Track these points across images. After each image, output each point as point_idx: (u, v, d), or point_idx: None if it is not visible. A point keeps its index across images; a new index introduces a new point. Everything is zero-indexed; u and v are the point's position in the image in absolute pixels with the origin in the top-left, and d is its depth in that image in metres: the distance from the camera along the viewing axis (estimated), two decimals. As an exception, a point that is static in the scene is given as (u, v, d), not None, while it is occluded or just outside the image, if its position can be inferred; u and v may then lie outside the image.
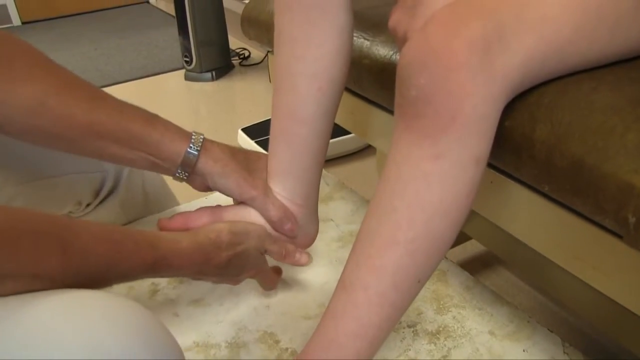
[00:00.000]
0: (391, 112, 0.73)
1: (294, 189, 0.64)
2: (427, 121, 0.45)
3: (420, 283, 0.50)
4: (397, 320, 0.52)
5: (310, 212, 0.67)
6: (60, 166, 0.73)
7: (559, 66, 0.50)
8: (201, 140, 0.61)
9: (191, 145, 0.60)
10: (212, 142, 0.63)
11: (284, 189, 0.64)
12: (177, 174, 0.62)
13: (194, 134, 0.62)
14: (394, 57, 0.67)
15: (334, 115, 0.63)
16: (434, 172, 0.45)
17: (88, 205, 0.79)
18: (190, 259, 0.56)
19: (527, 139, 0.51)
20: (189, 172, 0.62)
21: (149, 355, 0.39)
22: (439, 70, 0.43)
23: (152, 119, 0.60)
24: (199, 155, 0.61)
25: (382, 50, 0.69)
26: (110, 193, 0.80)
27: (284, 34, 0.59)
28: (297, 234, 0.66)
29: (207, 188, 0.65)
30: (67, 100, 0.57)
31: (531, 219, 0.57)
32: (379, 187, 0.50)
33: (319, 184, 0.67)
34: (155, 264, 0.52)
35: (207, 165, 0.61)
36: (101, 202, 0.80)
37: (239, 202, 0.67)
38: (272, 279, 0.70)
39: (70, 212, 0.81)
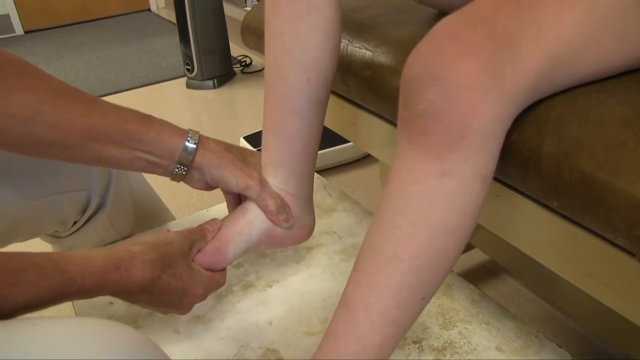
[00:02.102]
0: (392, 123, 0.72)
1: (286, 179, 0.64)
2: (435, 138, 0.44)
3: (424, 300, 0.49)
4: (399, 339, 0.51)
5: (304, 203, 0.67)
6: (44, 188, 0.72)
7: (567, 80, 0.49)
8: (197, 135, 0.63)
9: (189, 139, 0.62)
10: (207, 137, 0.64)
11: (276, 180, 0.64)
12: (175, 170, 0.62)
13: (190, 130, 0.63)
14: (397, 67, 0.66)
15: (324, 108, 0.64)
16: (439, 190, 0.44)
17: (75, 223, 0.78)
18: (106, 277, 0.51)
19: (535, 153, 0.49)
20: (187, 166, 0.62)
21: None
22: (451, 87, 0.42)
23: (147, 118, 0.61)
24: (196, 148, 0.62)
25: (384, 61, 0.68)
26: (98, 210, 0.79)
27: (273, 28, 0.60)
28: (292, 224, 0.66)
29: (205, 184, 0.65)
30: (62, 106, 0.56)
31: (539, 234, 0.55)
32: (381, 204, 0.49)
33: (313, 175, 0.67)
34: (65, 288, 0.47)
35: (205, 157, 0.62)
36: (89, 219, 0.79)
37: (232, 201, 0.68)
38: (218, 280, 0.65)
39: (56, 231, 0.80)
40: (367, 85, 0.70)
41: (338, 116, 0.84)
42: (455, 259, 0.48)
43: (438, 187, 0.44)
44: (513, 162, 0.51)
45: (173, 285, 0.57)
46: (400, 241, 0.46)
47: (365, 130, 0.79)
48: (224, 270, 0.65)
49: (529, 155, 0.50)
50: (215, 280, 0.63)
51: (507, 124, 0.46)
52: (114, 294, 0.53)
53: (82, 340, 0.38)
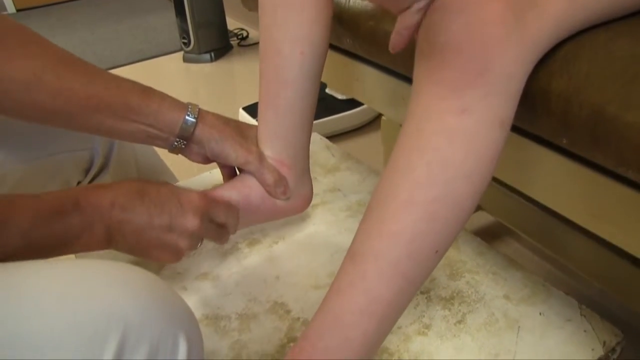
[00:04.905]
0: (398, 76, 0.72)
1: (282, 150, 0.65)
2: (454, 73, 0.43)
3: (437, 254, 0.46)
4: (410, 298, 0.47)
5: (300, 174, 0.68)
6: (47, 147, 0.72)
7: (583, 24, 0.49)
8: (197, 109, 0.63)
9: (188, 113, 0.62)
10: (206, 111, 0.65)
11: (272, 151, 0.65)
12: (175, 144, 0.63)
13: (189, 104, 0.63)
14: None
15: (319, 79, 0.65)
16: (458, 127, 0.43)
17: (79, 183, 0.78)
18: (97, 187, 0.53)
19: (543, 92, 0.49)
20: (187, 139, 0.62)
21: (164, 317, 0.38)
22: (475, 20, 0.42)
23: (148, 90, 0.61)
24: (196, 122, 0.62)
25: (387, 11, 0.67)
26: (101, 170, 0.79)
27: (266, 4, 0.62)
28: (290, 196, 0.67)
29: (203, 158, 0.66)
30: (64, 75, 0.57)
31: (547, 176, 0.55)
32: (396, 146, 0.47)
33: (308, 146, 0.68)
34: (62, 203, 0.49)
35: (205, 131, 0.62)
36: (92, 179, 0.78)
37: (228, 174, 0.68)
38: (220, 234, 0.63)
39: None
40: (371, 37, 0.69)
41: (342, 73, 0.83)
42: (471, 210, 0.46)
43: (456, 124, 0.43)
44: (521, 102, 0.51)
45: (162, 190, 0.56)
46: (416, 183, 0.44)
47: (370, 86, 0.79)
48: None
49: (538, 95, 0.49)
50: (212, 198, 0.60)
51: (528, 68, 0.45)
52: (110, 219, 0.52)
53: (102, 278, 0.38)
